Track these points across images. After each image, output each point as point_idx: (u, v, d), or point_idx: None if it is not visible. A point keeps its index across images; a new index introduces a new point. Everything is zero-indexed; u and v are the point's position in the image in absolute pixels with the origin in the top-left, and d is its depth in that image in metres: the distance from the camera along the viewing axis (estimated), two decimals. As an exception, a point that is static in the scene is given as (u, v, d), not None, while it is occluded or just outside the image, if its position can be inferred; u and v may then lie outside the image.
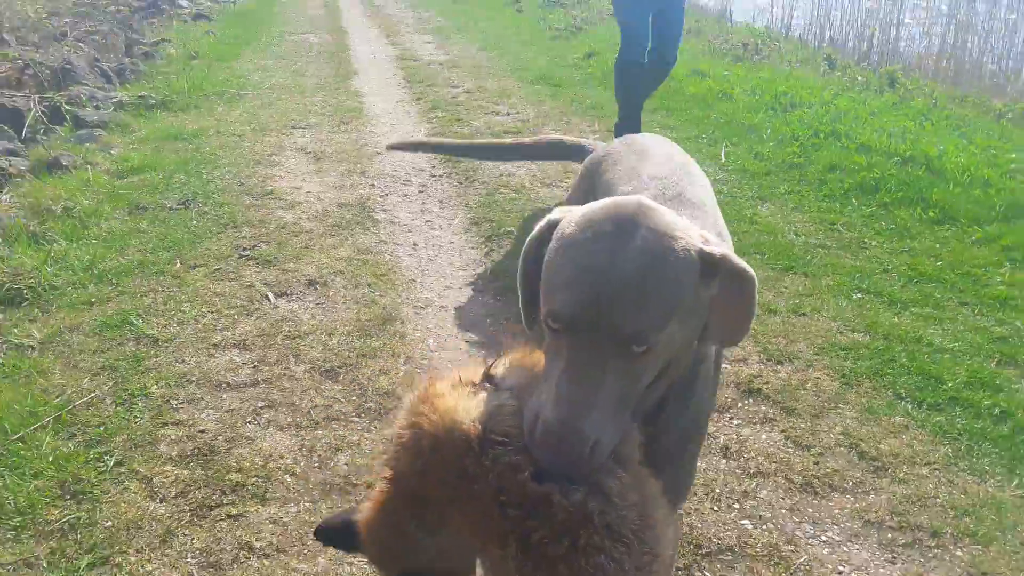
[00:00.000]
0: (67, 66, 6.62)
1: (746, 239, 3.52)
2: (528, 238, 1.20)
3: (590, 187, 1.87)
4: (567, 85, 6.76)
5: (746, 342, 2.62)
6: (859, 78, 7.36)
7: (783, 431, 2.30)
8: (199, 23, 10.17)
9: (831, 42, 9.62)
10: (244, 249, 3.34)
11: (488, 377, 1.09)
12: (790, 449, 2.23)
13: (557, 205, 1.35)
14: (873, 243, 3.57)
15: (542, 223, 1.18)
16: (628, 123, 4.53)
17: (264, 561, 1.80)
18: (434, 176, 4.45)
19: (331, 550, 1.75)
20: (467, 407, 1.03)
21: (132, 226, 3.57)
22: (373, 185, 4.28)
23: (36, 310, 2.80)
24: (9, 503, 1.93)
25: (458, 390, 1.07)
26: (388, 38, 9.26)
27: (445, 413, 1.02)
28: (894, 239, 3.60)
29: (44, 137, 5.15)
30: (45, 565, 1.77)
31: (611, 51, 7.44)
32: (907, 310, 2.97)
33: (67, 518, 1.90)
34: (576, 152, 3.07)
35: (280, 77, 6.99)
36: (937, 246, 3.54)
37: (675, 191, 1.52)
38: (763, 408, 2.40)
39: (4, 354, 2.55)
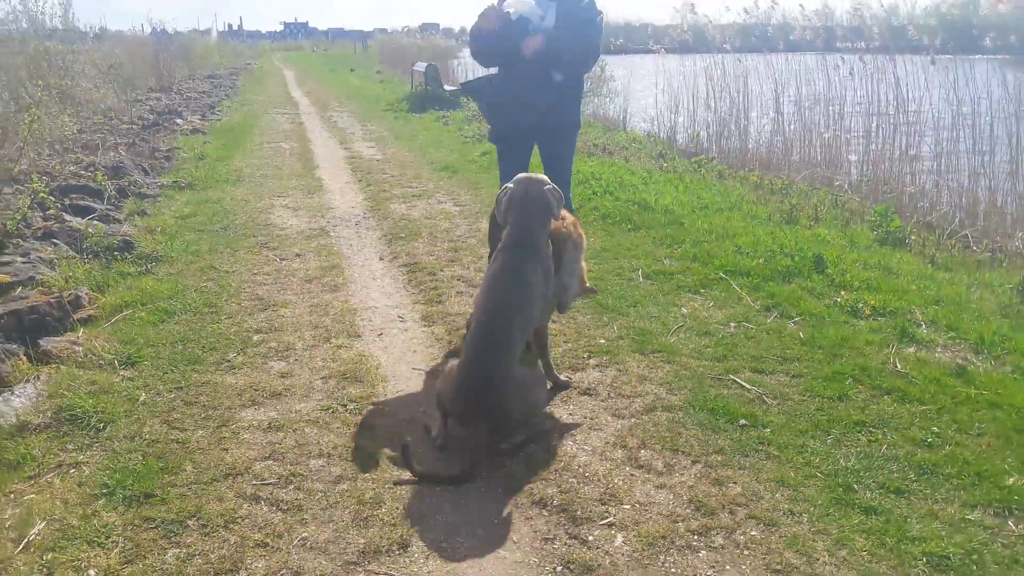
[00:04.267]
0: (120, 164, 9.84)
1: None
2: None
3: None
4: (463, 171, 10.12)
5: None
6: (664, 164, 10.87)
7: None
8: (196, 136, 13.52)
9: (672, 142, 13.10)
10: (262, 244, 6.52)
11: None
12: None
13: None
14: (595, 238, 6.82)
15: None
16: None
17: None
18: (365, 218, 7.67)
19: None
20: None
21: (198, 236, 6.73)
22: (328, 222, 7.49)
23: (167, 264, 5.92)
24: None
25: None
26: (341, 144, 12.69)
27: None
28: (606, 238, 6.85)
29: (118, 204, 8.29)
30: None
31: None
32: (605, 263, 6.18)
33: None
34: None
35: (265, 170, 10.27)
36: (628, 240, 6.79)
37: None
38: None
39: (165, 275, 5.65)
